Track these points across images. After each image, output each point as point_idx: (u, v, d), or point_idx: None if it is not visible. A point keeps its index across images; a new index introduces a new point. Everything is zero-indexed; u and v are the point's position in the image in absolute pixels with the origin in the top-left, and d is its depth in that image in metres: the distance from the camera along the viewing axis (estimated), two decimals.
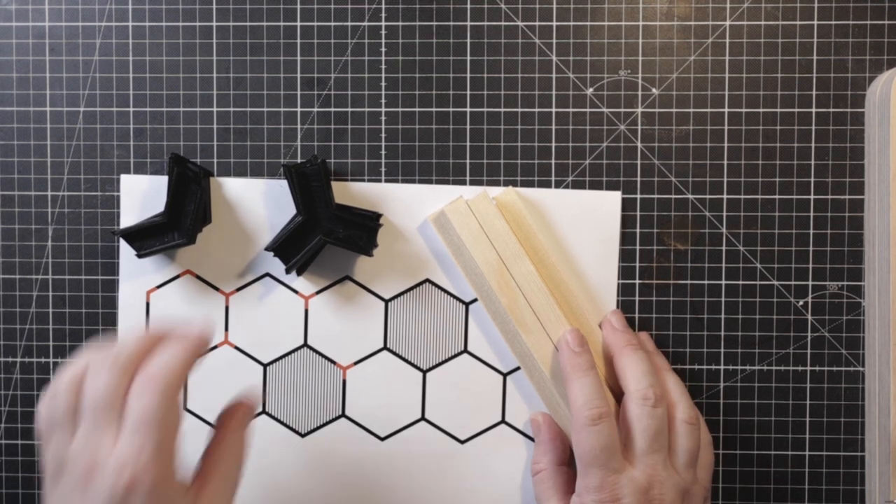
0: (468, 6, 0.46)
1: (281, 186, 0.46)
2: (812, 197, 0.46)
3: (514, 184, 0.46)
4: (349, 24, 0.46)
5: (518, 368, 0.46)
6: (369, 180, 0.46)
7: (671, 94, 0.46)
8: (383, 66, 0.46)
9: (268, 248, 0.45)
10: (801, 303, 0.46)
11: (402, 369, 0.47)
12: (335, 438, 0.47)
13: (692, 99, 0.46)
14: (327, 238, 0.44)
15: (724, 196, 0.46)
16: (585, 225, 0.46)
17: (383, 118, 0.46)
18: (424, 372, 0.47)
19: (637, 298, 0.46)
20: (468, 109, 0.46)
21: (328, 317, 0.47)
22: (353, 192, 0.46)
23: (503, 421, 0.47)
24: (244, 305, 0.46)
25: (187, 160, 0.45)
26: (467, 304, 0.46)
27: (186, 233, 0.44)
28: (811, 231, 0.46)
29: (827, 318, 0.46)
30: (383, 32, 0.46)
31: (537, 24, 0.46)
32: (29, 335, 0.47)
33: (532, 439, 0.46)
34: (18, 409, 0.47)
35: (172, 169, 0.44)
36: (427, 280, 0.46)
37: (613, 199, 0.46)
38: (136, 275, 0.46)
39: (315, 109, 0.46)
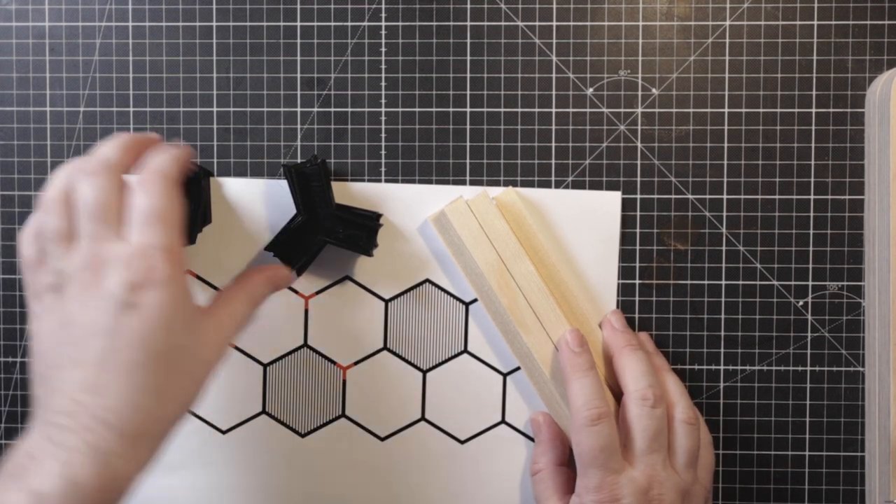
0: (468, 6, 0.46)
1: (281, 186, 0.46)
2: (812, 197, 0.46)
3: (514, 184, 0.46)
4: (349, 24, 0.46)
5: (518, 368, 0.46)
6: (369, 180, 0.46)
7: (671, 94, 0.46)
8: (383, 66, 0.46)
9: (268, 248, 0.45)
10: (801, 303, 0.46)
11: (402, 369, 0.47)
12: (335, 438, 0.47)
13: (692, 99, 0.46)
14: (327, 238, 0.44)
15: (724, 196, 0.46)
16: (585, 225, 0.46)
17: (383, 118, 0.46)
18: (424, 372, 0.47)
19: (637, 298, 0.46)
20: (468, 109, 0.46)
21: (328, 317, 0.47)
22: (353, 192, 0.46)
23: (503, 421, 0.47)
24: None
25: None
26: (467, 304, 0.46)
27: (186, 233, 0.44)
28: (811, 231, 0.46)
29: (827, 319, 0.46)
30: (383, 32, 0.46)
31: (537, 24, 0.46)
32: (29, 335, 0.47)
33: (532, 439, 0.46)
34: (18, 409, 0.47)
35: None
36: (427, 280, 0.46)
37: (613, 199, 0.46)
38: None
39: (315, 109, 0.46)
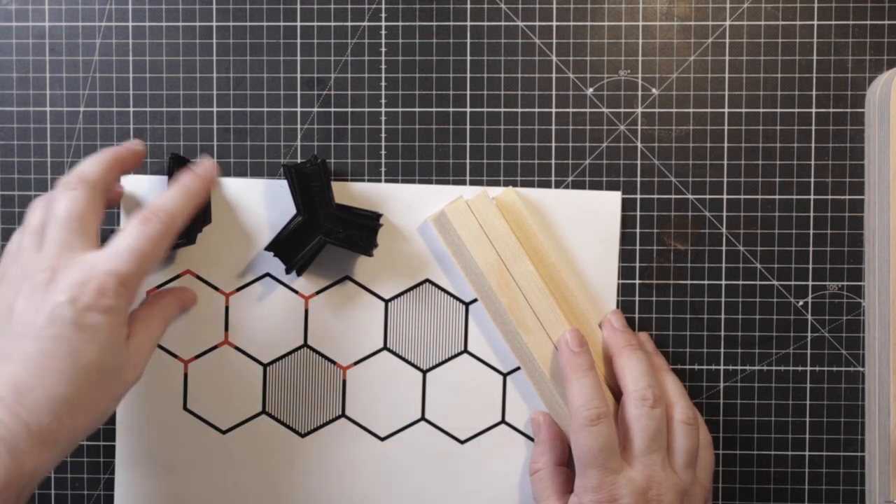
0: (468, 6, 0.46)
1: (281, 186, 0.46)
2: (812, 197, 0.46)
3: (514, 184, 0.46)
4: (349, 24, 0.46)
5: (518, 368, 0.46)
6: (369, 180, 0.46)
7: (671, 94, 0.46)
8: (383, 66, 0.46)
9: (268, 248, 0.45)
10: (801, 303, 0.46)
11: (402, 369, 0.47)
12: (335, 438, 0.47)
13: (692, 99, 0.46)
14: (327, 238, 0.44)
15: (724, 196, 0.46)
16: (585, 225, 0.46)
17: (383, 118, 0.46)
18: (424, 372, 0.47)
19: (637, 298, 0.46)
20: (468, 109, 0.46)
21: (328, 317, 0.47)
22: (353, 192, 0.46)
23: (503, 421, 0.47)
24: (244, 305, 0.46)
25: (187, 160, 0.45)
26: (467, 304, 0.46)
27: (186, 233, 0.44)
28: (811, 231, 0.46)
29: (827, 319, 0.46)
30: (383, 32, 0.46)
31: (537, 24, 0.46)
32: None
33: (532, 439, 0.46)
34: None
35: (172, 169, 0.44)
36: (427, 280, 0.46)
37: (613, 199, 0.46)
38: None
39: (315, 109, 0.46)
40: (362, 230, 0.44)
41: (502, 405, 0.47)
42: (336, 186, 0.46)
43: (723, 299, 0.46)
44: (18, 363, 0.35)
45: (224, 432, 0.47)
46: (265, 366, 0.47)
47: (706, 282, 0.46)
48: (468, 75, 0.46)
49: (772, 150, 0.46)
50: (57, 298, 0.35)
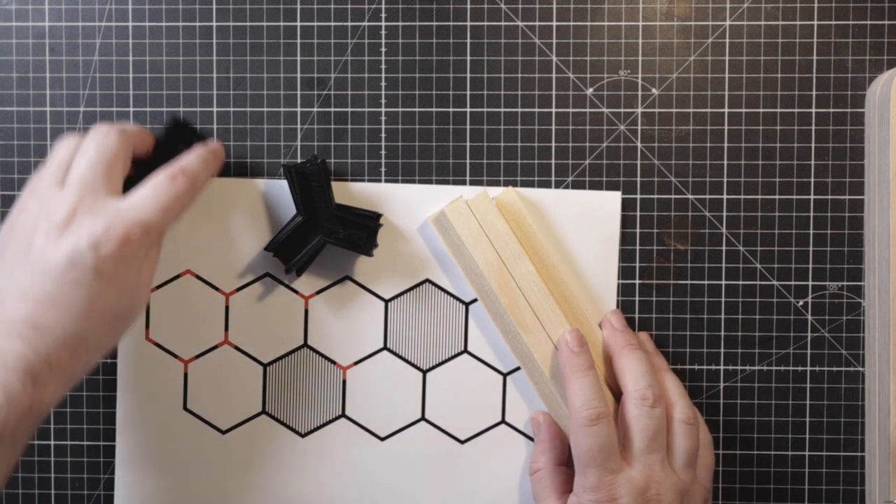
0: (468, 6, 0.46)
1: (281, 186, 0.46)
2: (812, 197, 0.46)
3: (514, 184, 0.46)
4: (349, 24, 0.46)
5: (518, 368, 0.46)
6: (369, 180, 0.46)
7: (671, 94, 0.46)
8: (383, 66, 0.46)
9: (268, 248, 0.45)
10: (801, 303, 0.46)
11: (402, 369, 0.47)
12: (335, 438, 0.47)
13: (692, 99, 0.46)
14: (327, 238, 0.44)
15: (724, 196, 0.46)
16: (585, 225, 0.46)
17: (383, 118, 0.46)
18: (424, 372, 0.47)
19: (637, 298, 0.46)
20: (468, 109, 0.46)
21: (328, 317, 0.47)
22: (353, 192, 0.46)
23: (503, 421, 0.47)
24: (244, 305, 0.46)
25: (188, 124, 0.45)
26: (467, 304, 0.46)
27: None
28: (811, 231, 0.46)
29: (827, 319, 0.46)
30: (383, 32, 0.46)
31: (537, 24, 0.46)
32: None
33: (532, 439, 0.46)
34: None
35: (173, 132, 0.44)
36: (427, 280, 0.46)
37: (613, 199, 0.46)
38: None
39: (315, 109, 0.46)
40: (362, 230, 0.44)
41: (502, 405, 0.47)
42: (336, 186, 0.46)
43: (723, 299, 0.46)
44: (39, 303, 0.35)
45: (224, 432, 0.47)
46: (265, 366, 0.47)
47: (706, 282, 0.46)
48: (468, 75, 0.46)
49: (772, 150, 0.46)
50: (79, 242, 0.36)
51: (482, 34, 0.46)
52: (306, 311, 0.47)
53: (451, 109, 0.46)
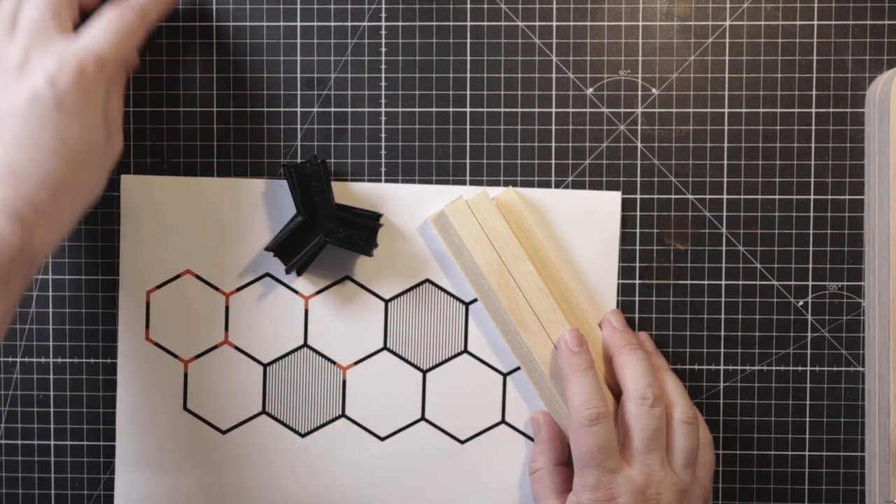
0: (468, 6, 0.46)
1: (281, 186, 0.46)
2: (812, 197, 0.46)
3: (514, 184, 0.46)
4: (349, 24, 0.46)
5: (518, 368, 0.46)
6: (369, 180, 0.46)
7: (671, 94, 0.46)
8: (383, 66, 0.46)
9: (268, 248, 0.45)
10: (801, 303, 0.46)
11: (402, 369, 0.47)
12: (335, 438, 0.47)
13: (692, 99, 0.46)
14: (327, 238, 0.44)
15: (724, 196, 0.46)
16: (585, 225, 0.46)
17: (383, 118, 0.46)
18: (424, 372, 0.47)
19: (637, 298, 0.46)
20: (468, 109, 0.46)
21: (328, 317, 0.47)
22: (353, 192, 0.46)
23: (503, 421, 0.47)
24: (244, 305, 0.46)
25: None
26: (467, 304, 0.46)
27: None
28: (811, 231, 0.46)
29: (827, 319, 0.46)
30: (383, 32, 0.46)
31: (537, 24, 0.46)
32: (29, 335, 0.47)
33: (532, 439, 0.46)
34: (18, 409, 0.47)
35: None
36: (427, 280, 0.46)
37: (613, 199, 0.46)
38: (136, 275, 0.46)
39: (315, 109, 0.46)
40: (362, 230, 0.44)
41: (502, 405, 0.47)
42: (336, 186, 0.46)
43: (723, 299, 0.46)
44: (8, 146, 0.36)
45: (224, 432, 0.47)
46: (265, 366, 0.47)
47: (706, 282, 0.46)
48: (468, 75, 0.46)
49: (772, 150, 0.46)
50: (36, 81, 0.36)
51: (482, 34, 0.46)
52: (306, 311, 0.47)
53: (451, 109, 0.46)
